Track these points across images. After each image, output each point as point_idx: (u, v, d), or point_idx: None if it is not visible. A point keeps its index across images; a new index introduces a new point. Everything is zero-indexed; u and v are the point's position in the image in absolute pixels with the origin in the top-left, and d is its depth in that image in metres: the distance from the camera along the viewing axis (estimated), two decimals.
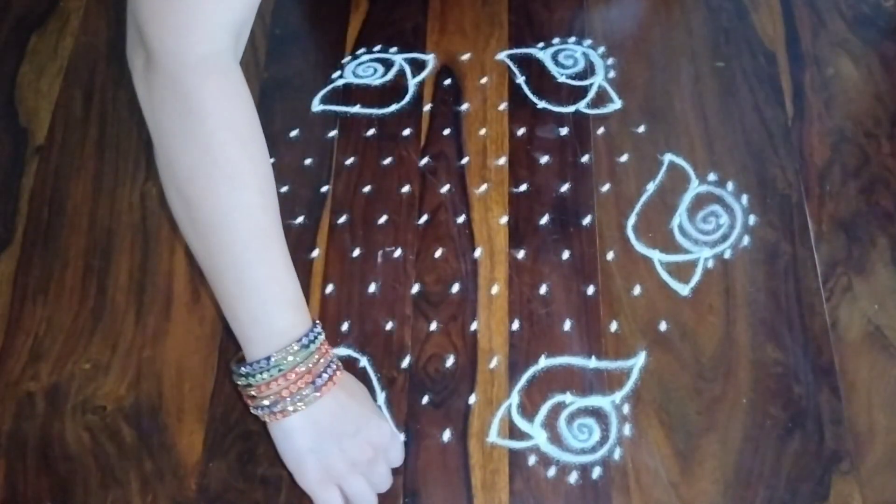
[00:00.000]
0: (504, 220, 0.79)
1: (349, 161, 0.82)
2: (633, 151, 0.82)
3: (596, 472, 0.68)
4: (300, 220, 0.79)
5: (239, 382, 0.65)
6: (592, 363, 0.72)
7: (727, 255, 0.77)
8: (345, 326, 0.74)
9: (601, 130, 0.84)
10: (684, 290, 0.75)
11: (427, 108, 0.85)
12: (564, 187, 0.81)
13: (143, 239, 0.79)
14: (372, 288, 0.76)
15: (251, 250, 0.62)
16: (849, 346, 0.73)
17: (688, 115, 0.84)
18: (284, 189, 0.80)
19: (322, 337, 0.65)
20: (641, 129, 0.84)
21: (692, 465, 0.68)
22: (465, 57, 0.88)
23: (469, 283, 0.76)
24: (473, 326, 0.74)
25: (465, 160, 0.82)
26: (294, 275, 0.65)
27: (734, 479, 0.68)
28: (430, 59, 0.88)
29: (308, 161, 0.83)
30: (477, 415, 0.70)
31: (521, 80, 0.87)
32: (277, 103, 0.86)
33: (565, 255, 0.77)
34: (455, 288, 0.76)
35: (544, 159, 0.82)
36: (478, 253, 0.77)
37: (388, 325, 0.74)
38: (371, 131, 0.84)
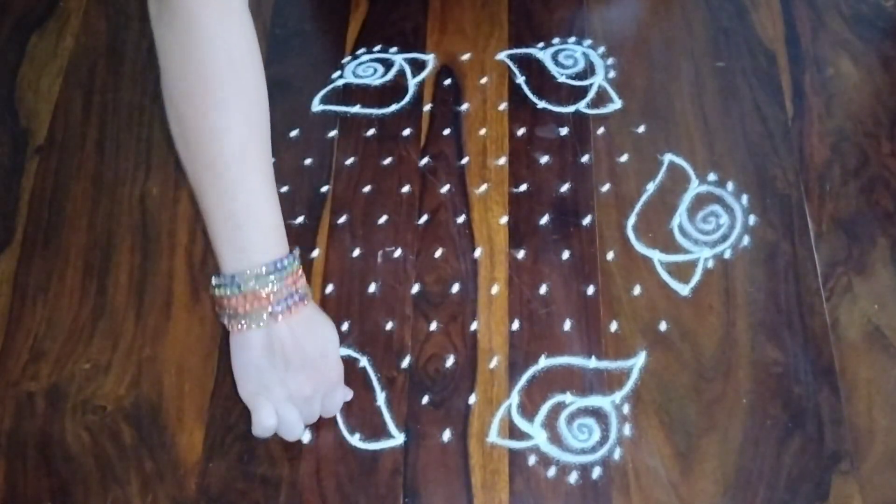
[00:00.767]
0: (504, 220, 0.79)
1: (349, 161, 0.83)
2: (633, 151, 0.82)
3: (596, 472, 0.68)
4: (300, 220, 0.79)
5: (210, 291, 0.67)
6: (592, 363, 0.72)
7: (727, 255, 0.77)
8: (345, 326, 0.74)
9: (601, 130, 0.84)
10: (684, 290, 0.75)
11: (427, 108, 0.85)
12: (564, 187, 0.81)
13: (143, 239, 0.79)
14: (372, 288, 0.76)
15: (231, 174, 0.64)
16: (849, 346, 0.73)
17: (688, 115, 0.84)
18: (284, 189, 0.80)
19: (294, 267, 0.66)
20: (641, 129, 0.84)
21: (692, 465, 0.68)
22: (465, 57, 0.88)
23: (469, 283, 0.76)
24: (473, 326, 0.74)
25: (465, 160, 0.82)
26: (275, 205, 0.67)
27: (734, 479, 0.68)
28: (430, 59, 0.88)
29: (308, 161, 0.83)
30: (477, 415, 0.70)
31: (521, 80, 0.87)
32: (277, 103, 0.85)
33: (565, 255, 0.77)
34: (455, 288, 0.76)
35: (544, 159, 0.82)
36: (478, 253, 0.77)
37: (388, 325, 0.74)
38: (371, 131, 0.84)
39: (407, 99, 0.86)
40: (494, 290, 0.76)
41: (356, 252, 0.78)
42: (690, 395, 0.71)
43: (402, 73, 0.87)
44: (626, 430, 0.69)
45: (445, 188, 0.81)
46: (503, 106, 0.85)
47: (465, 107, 0.85)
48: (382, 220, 0.79)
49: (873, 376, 0.72)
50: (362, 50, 0.89)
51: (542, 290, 0.76)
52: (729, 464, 0.68)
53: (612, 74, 0.87)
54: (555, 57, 0.88)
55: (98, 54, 0.90)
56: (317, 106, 0.86)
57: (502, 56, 0.88)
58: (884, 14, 0.90)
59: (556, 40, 0.89)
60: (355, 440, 0.70)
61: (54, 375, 0.72)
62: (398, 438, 0.70)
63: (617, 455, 0.68)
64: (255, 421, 0.66)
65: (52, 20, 0.92)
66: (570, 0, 0.91)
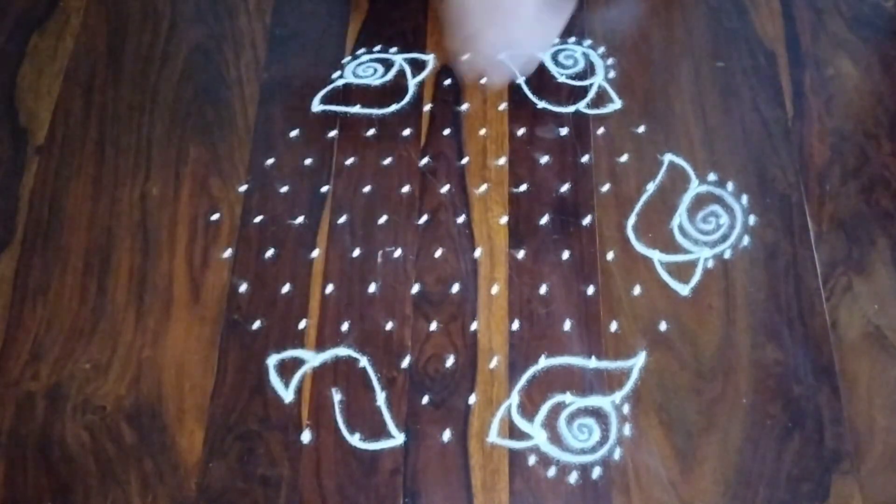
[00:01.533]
0: (504, 220, 0.79)
1: (349, 161, 0.83)
2: (633, 151, 0.82)
3: (596, 472, 0.68)
4: (300, 220, 0.79)
5: None
6: (592, 363, 0.72)
7: (727, 255, 0.77)
8: (345, 326, 0.74)
9: (601, 130, 0.84)
10: (684, 290, 0.75)
11: (427, 108, 0.85)
12: (564, 187, 0.81)
13: (143, 239, 0.79)
14: (372, 288, 0.76)
15: None
16: (849, 346, 0.73)
17: (688, 115, 0.84)
18: (284, 189, 0.81)
19: None
20: (641, 129, 0.84)
21: (692, 465, 0.68)
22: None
23: (469, 283, 0.76)
24: (473, 326, 0.74)
25: (465, 160, 0.82)
26: None
27: (734, 479, 0.68)
28: (430, 59, 0.88)
29: (308, 161, 0.83)
30: (477, 415, 0.70)
31: (521, 79, 0.87)
32: (277, 103, 0.86)
33: (565, 255, 0.77)
34: (455, 288, 0.76)
35: (544, 159, 0.82)
36: (478, 253, 0.77)
37: (388, 325, 0.74)
38: (371, 131, 0.84)
39: (407, 99, 0.86)
40: (494, 290, 0.76)
41: (356, 252, 0.78)
42: (690, 395, 0.71)
43: (402, 73, 0.87)
44: (626, 430, 0.69)
45: (445, 188, 0.81)
46: (503, 106, 0.85)
47: (465, 107, 0.85)
48: (382, 220, 0.79)
49: (873, 376, 0.72)
50: (362, 50, 0.89)
51: (542, 290, 0.76)
52: (729, 464, 0.68)
53: (612, 74, 0.87)
54: (555, 57, 0.88)
55: (98, 54, 0.90)
56: (317, 106, 0.86)
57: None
58: (884, 14, 0.90)
59: (556, 40, 0.89)
60: (355, 440, 0.70)
61: (54, 375, 0.72)
62: (398, 438, 0.70)
63: (617, 455, 0.68)
64: None
65: (52, 20, 0.92)
66: None
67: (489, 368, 0.72)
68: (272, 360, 0.73)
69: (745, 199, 0.80)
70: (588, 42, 0.89)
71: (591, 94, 0.86)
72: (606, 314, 0.74)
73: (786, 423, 0.70)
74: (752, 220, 0.79)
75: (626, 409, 0.70)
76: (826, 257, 0.77)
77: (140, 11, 0.92)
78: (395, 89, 0.86)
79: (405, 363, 0.73)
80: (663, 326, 0.74)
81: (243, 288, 0.76)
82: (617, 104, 0.85)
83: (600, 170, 0.81)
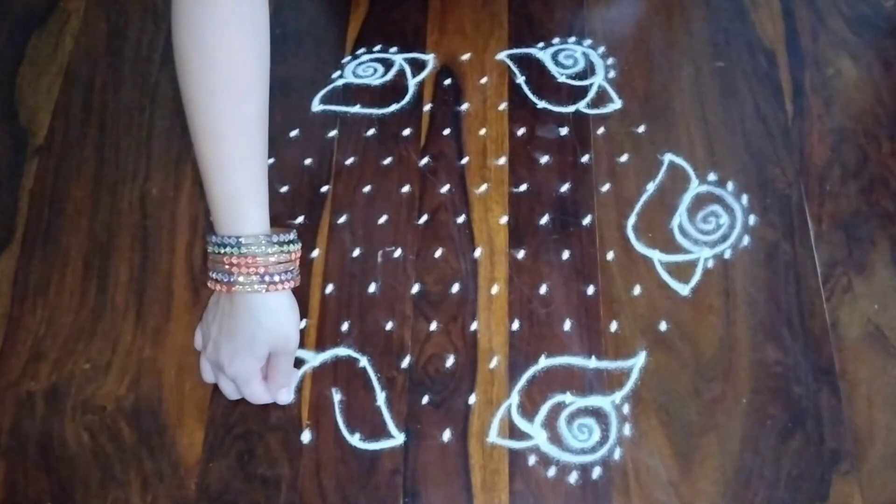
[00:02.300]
0: (504, 220, 0.79)
1: (349, 161, 0.83)
2: (633, 151, 0.82)
3: (596, 472, 0.68)
4: (300, 220, 0.79)
5: (209, 248, 0.68)
6: (592, 363, 0.72)
7: (727, 255, 0.77)
8: (345, 326, 0.74)
9: (601, 130, 0.84)
10: (684, 290, 0.75)
11: (427, 108, 0.85)
12: (564, 187, 0.81)
13: (143, 239, 0.79)
14: (372, 288, 0.76)
15: (242, 143, 0.67)
16: (849, 346, 0.73)
17: (688, 115, 0.84)
18: (284, 189, 0.81)
19: (298, 246, 0.69)
20: (641, 129, 0.84)
21: (692, 465, 0.68)
22: (465, 57, 0.88)
23: (469, 283, 0.76)
24: (473, 326, 0.74)
25: (465, 160, 0.82)
26: (265, 177, 0.69)
27: (734, 479, 0.68)
28: (430, 59, 0.88)
29: (308, 161, 0.83)
30: (477, 415, 0.70)
31: (521, 80, 0.87)
32: (277, 103, 0.85)
33: (565, 255, 0.77)
34: (455, 288, 0.76)
35: (544, 159, 0.82)
36: (478, 253, 0.77)
37: (388, 325, 0.74)
38: (371, 131, 0.84)
39: (407, 99, 0.86)
40: (494, 290, 0.76)
41: (356, 252, 0.78)
42: (690, 395, 0.71)
43: (402, 73, 0.87)
44: (626, 430, 0.69)
45: (445, 188, 0.81)
46: (503, 106, 0.85)
47: (465, 107, 0.85)
48: (382, 220, 0.79)
49: (873, 376, 0.72)
50: (362, 50, 0.89)
51: (542, 290, 0.76)
52: (729, 464, 0.68)
53: (612, 74, 0.87)
54: (555, 57, 0.88)
55: (98, 54, 0.90)
56: (317, 106, 0.86)
57: (502, 56, 0.88)
58: (884, 14, 0.90)
59: (556, 40, 0.89)
60: (355, 440, 0.70)
61: (54, 375, 0.72)
62: (398, 438, 0.70)
63: (617, 455, 0.68)
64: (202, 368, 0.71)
65: (52, 20, 0.92)
66: (570, 0, 0.91)
67: (489, 368, 0.72)
68: None
69: (745, 199, 0.80)
70: (588, 42, 0.89)
71: (591, 93, 0.86)
72: (606, 314, 0.74)
73: (786, 423, 0.70)
74: (752, 220, 0.79)
75: (626, 409, 0.70)
76: (826, 257, 0.77)
77: (140, 11, 0.92)
78: (395, 89, 0.86)
79: (405, 363, 0.73)
80: (663, 326, 0.74)
81: None
82: (617, 104, 0.85)
83: (600, 170, 0.81)
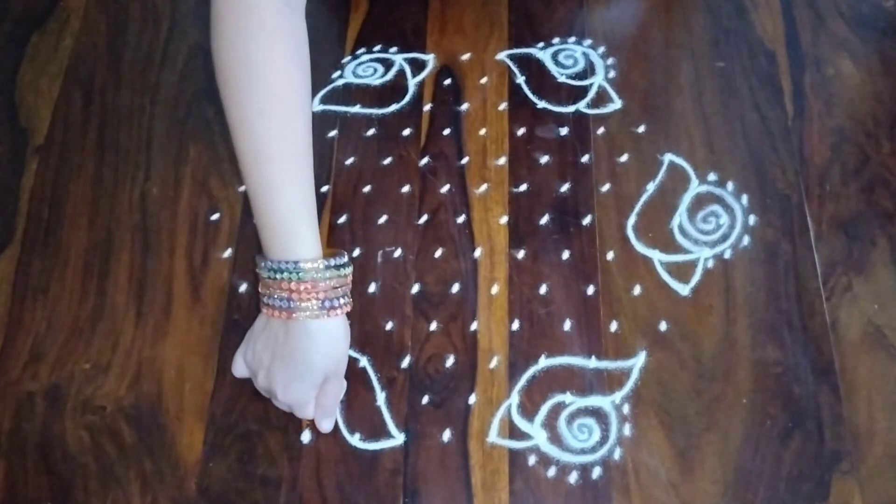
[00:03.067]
0: (504, 220, 0.79)
1: (349, 161, 0.83)
2: (633, 151, 0.82)
3: (596, 472, 0.68)
4: None
5: (262, 273, 0.67)
6: (592, 363, 0.72)
7: (727, 255, 0.77)
8: None
9: (601, 130, 0.84)
10: (684, 290, 0.75)
11: (427, 108, 0.85)
12: (564, 187, 0.81)
13: (143, 239, 0.79)
14: (372, 288, 0.76)
15: (292, 166, 0.66)
16: (849, 346, 0.73)
17: (688, 115, 0.84)
18: None
19: (349, 270, 0.67)
20: (641, 129, 0.84)
21: (692, 465, 0.68)
22: (465, 57, 0.88)
23: (469, 283, 0.76)
24: (473, 326, 0.74)
25: (465, 160, 0.82)
26: (314, 197, 0.67)
27: (734, 479, 0.68)
28: (430, 59, 0.88)
29: None
30: (477, 415, 0.70)
31: (521, 80, 0.87)
32: None
33: (565, 255, 0.77)
34: (455, 288, 0.76)
35: (544, 159, 0.82)
36: (478, 253, 0.77)
37: (388, 325, 0.74)
38: (371, 131, 0.84)
39: (407, 99, 0.86)
40: (494, 290, 0.76)
41: (356, 252, 0.78)
42: (690, 395, 0.71)
43: (402, 73, 0.87)
44: (626, 429, 0.69)
45: (445, 188, 0.81)
46: (503, 106, 0.85)
47: (465, 107, 0.85)
48: (382, 220, 0.79)
49: (873, 376, 0.72)
50: (362, 50, 0.89)
51: (542, 290, 0.76)
52: (729, 464, 0.68)
53: (612, 74, 0.87)
54: (555, 57, 0.88)
55: (98, 54, 0.90)
56: (317, 106, 0.86)
57: (502, 56, 0.88)
58: (884, 14, 0.90)
59: (556, 40, 0.89)
60: (355, 440, 0.70)
61: (54, 375, 0.72)
62: (398, 438, 0.70)
63: (617, 455, 0.68)
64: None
65: (52, 20, 0.92)
66: (570, 0, 0.91)
67: (489, 368, 0.72)
68: None
69: (745, 199, 0.80)
70: (588, 42, 0.89)
71: (591, 93, 0.86)
72: (606, 314, 0.74)
73: (786, 423, 0.70)
74: (752, 220, 0.79)
75: (626, 409, 0.70)
76: (826, 257, 0.77)
77: (140, 11, 0.92)
78: (395, 89, 0.86)
79: (405, 363, 0.73)
80: (663, 326, 0.74)
81: (243, 288, 0.76)
82: (617, 104, 0.85)
83: (600, 170, 0.81)
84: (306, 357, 0.65)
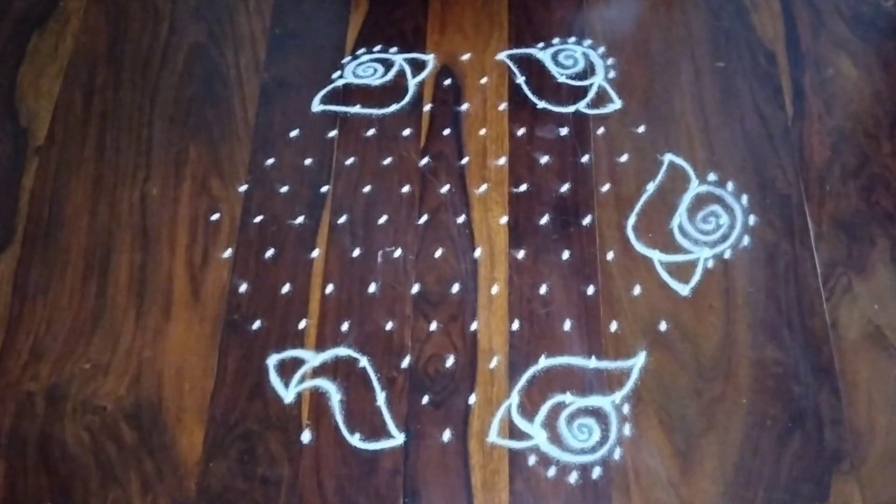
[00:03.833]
0: (504, 220, 0.79)
1: (349, 161, 0.83)
2: (633, 151, 0.82)
3: (596, 472, 0.68)
4: (300, 220, 0.79)
5: None
6: (592, 363, 0.72)
7: (727, 255, 0.77)
8: (345, 326, 0.74)
9: (601, 130, 0.84)
10: (684, 290, 0.75)
11: (427, 108, 0.85)
12: (564, 187, 0.81)
13: (143, 239, 0.79)
14: (372, 288, 0.76)
15: None
16: (849, 346, 0.73)
17: (688, 115, 0.84)
18: (284, 189, 0.81)
19: None
20: (641, 129, 0.84)
21: (692, 465, 0.68)
22: (465, 57, 0.88)
23: (469, 283, 0.76)
24: (473, 326, 0.74)
25: (465, 160, 0.82)
26: None
27: (734, 479, 0.68)
28: (430, 59, 0.88)
29: (308, 161, 0.83)
30: (477, 415, 0.70)
31: (521, 80, 0.87)
32: (277, 103, 0.86)
33: (565, 255, 0.77)
34: (455, 288, 0.76)
35: (544, 159, 0.82)
36: (478, 253, 0.77)
37: (388, 325, 0.74)
38: (371, 131, 0.84)
39: (407, 99, 0.86)
40: (494, 290, 0.76)
41: (356, 252, 0.78)
42: (690, 395, 0.71)
43: (402, 73, 0.87)
44: (626, 430, 0.69)
45: (445, 188, 0.81)
46: (503, 106, 0.85)
47: (465, 107, 0.85)
48: (382, 220, 0.79)
49: (873, 376, 0.72)
50: (362, 50, 0.89)
51: (542, 290, 0.76)
52: (729, 464, 0.68)
53: (612, 74, 0.87)
54: (555, 57, 0.88)
55: (98, 54, 0.90)
56: (317, 106, 0.86)
57: (502, 56, 0.88)
58: (884, 14, 0.90)
59: (556, 40, 0.89)
60: (355, 440, 0.70)
61: (54, 375, 0.72)
62: (398, 438, 0.70)
63: (617, 455, 0.68)
64: None
65: (52, 20, 0.92)
66: (570, 0, 0.91)
67: (489, 368, 0.72)
68: (272, 360, 0.73)
69: (745, 199, 0.80)
70: (588, 42, 0.89)
71: (591, 94, 0.86)
72: (606, 314, 0.74)
73: (786, 423, 0.70)
74: (752, 220, 0.79)
75: (626, 409, 0.70)
76: (826, 257, 0.77)
77: (140, 11, 0.92)
78: (395, 89, 0.86)
79: (405, 363, 0.73)
80: (663, 326, 0.74)
81: (243, 288, 0.76)
82: (617, 104, 0.85)
83: (600, 170, 0.81)
84: None
